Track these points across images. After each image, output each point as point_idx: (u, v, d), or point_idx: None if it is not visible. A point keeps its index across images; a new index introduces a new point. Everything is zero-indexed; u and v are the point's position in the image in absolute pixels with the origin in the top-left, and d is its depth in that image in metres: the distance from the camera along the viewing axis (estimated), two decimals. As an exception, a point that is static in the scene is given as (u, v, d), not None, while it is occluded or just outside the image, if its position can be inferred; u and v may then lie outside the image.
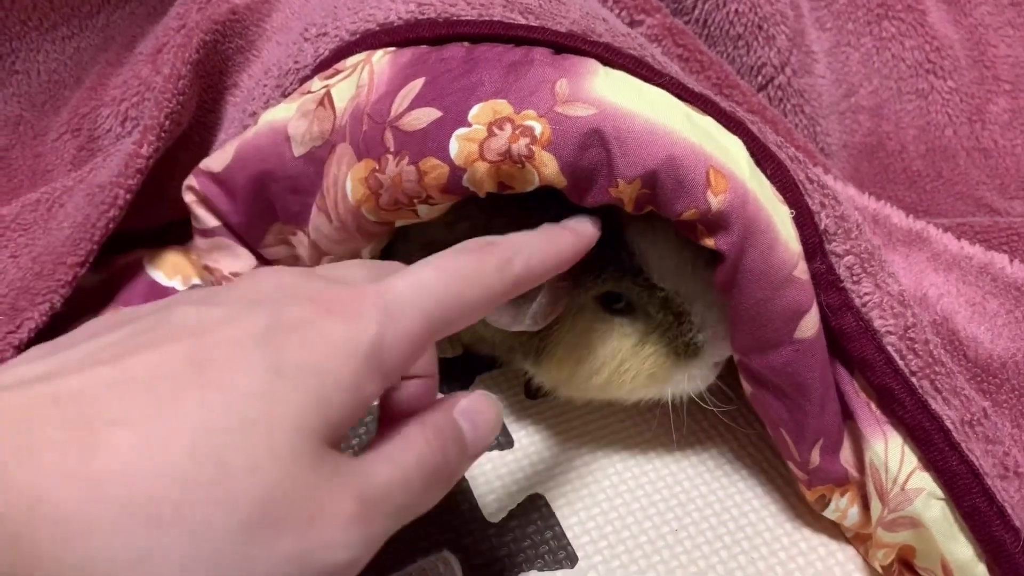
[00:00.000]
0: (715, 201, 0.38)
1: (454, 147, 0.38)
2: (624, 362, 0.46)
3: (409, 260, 0.34)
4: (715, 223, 0.39)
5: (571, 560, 0.48)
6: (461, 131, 0.39)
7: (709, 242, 0.40)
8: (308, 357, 0.27)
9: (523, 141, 0.38)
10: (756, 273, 0.40)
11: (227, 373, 0.26)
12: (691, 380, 0.47)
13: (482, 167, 0.38)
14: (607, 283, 0.45)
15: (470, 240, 0.35)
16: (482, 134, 0.38)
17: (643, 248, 0.44)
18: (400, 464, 0.30)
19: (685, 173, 0.38)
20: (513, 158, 0.38)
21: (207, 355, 0.26)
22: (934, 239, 0.54)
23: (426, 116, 0.39)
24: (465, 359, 0.59)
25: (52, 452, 0.23)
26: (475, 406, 0.34)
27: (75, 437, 0.23)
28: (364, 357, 0.28)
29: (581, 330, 0.47)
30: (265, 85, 0.63)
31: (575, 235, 0.39)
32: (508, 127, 0.38)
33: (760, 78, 0.67)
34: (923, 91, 0.72)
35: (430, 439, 0.31)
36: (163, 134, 0.60)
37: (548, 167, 0.38)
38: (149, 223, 0.65)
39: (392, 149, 0.40)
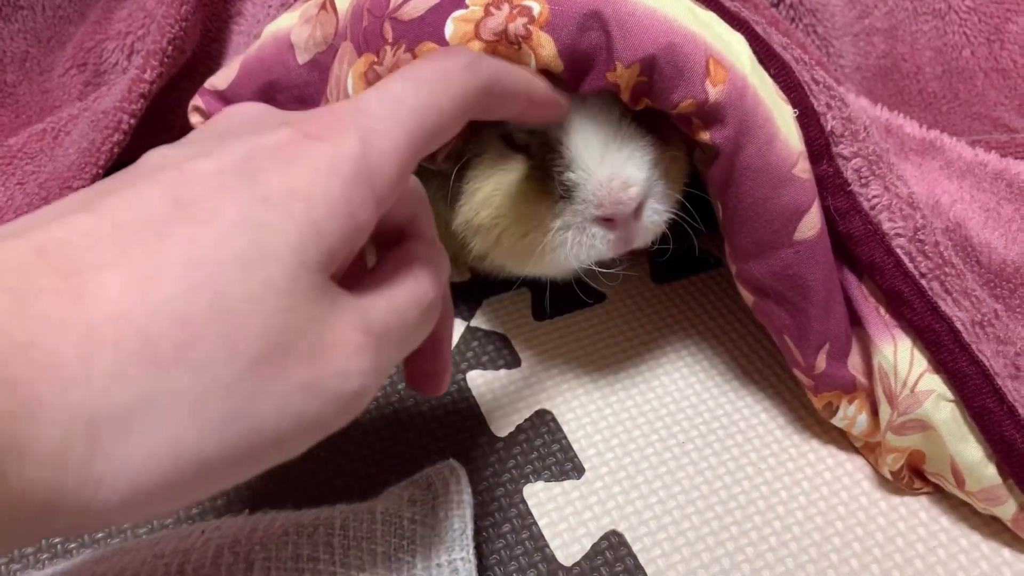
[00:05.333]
0: (713, 92, 0.38)
1: (450, 28, 0.38)
2: (508, 197, 0.44)
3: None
4: (712, 115, 0.38)
5: (578, 471, 0.48)
6: (458, 13, 0.38)
7: (705, 136, 0.39)
8: (292, 182, 0.26)
9: (520, 20, 0.37)
10: (754, 170, 0.39)
11: (212, 207, 0.25)
12: (565, 229, 0.43)
13: (476, 47, 0.38)
14: (519, 134, 0.43)
15: (433, 50, 0.33)
16: (479, 14, 0.38)
17: None
18: (396, 300, 0.30)
19: (685, 61, 0.37)
20: (510, 38, 0.37)
21: (188, 192, 0.25)
22: (947, 147, 0.52)
23: (424, 4, 0.39)
24: (472, 284, 0.59)
25: (42, 299, 0.22)
26: (435, 244, 0.34)
27: (65, 284, 0.23)
28: (351, 177, 0.27)
29: (484, 166, 0.45)
30: (270, 6, 0.62)
31: (547, 85, 0.37)
32: (505, 7, 0.37)
33: (772, -4, 0.65)
34: (940, 11, 0.70)
35: (419, 275, 0.31)
36: (166, 59, 0.60)
37: (546, 48, 0.37)
38: (156, 153, 0.65)
39: (391, 40, 0.39)
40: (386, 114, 0.29)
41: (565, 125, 0.41)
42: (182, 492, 0.24)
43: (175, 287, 0.23)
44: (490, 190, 0.44)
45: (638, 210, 0.43)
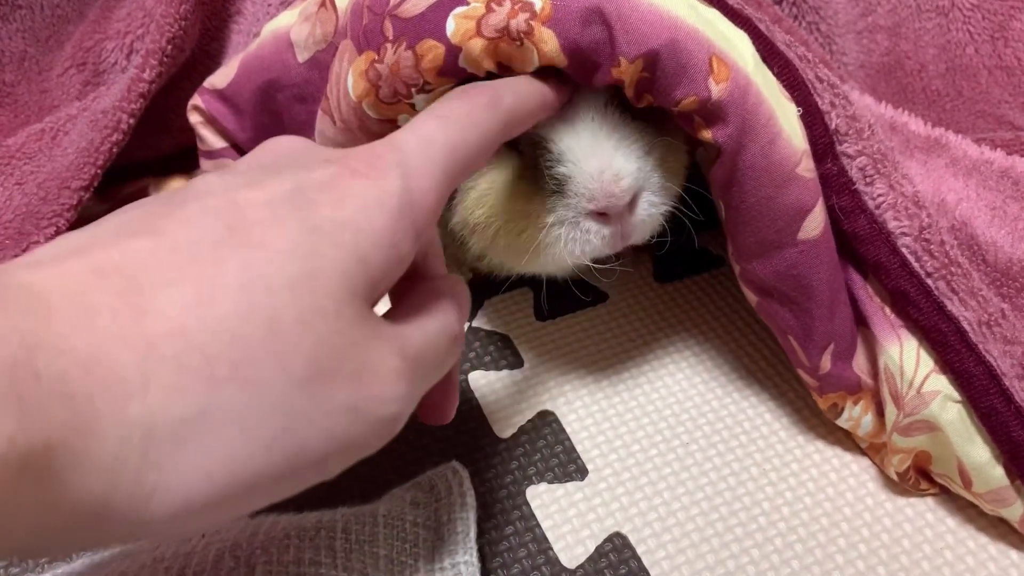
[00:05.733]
0: (716, 89, 0.37)
1: (451, 25, 0.38)
2: (502, 194, 0.43)
3: None
4: (714, 114, 0.38)
5: (581, 473, 0.47)
6: (459, 10, 0.38)
7: (707, 135, 0.38)
8: (342, 213, 0.27)
9: (522, 16, 0.37)
10: (757, 169, 0.39)
11: (264, 233, 0.26)
12: (558, 224, 0.42)
13: (478, 44, 0.37)
14: None
15: (456, 88, 0.35)
16: (480, 11, 0.37)
17: None
18: (428, 330, 0.31)
19: (688, 58, 0.37)
20: (511, 34, 0.37)
21: (241, 218, 0.26)
22: (953, 145, 0.52)
23: (425, 1, 0.38)
24: (474, 284, 0.59)
25: (105, 317, 0.23)
26: (460, 281, 0.36)
27: (126, 302, 0.23)
28: (396, 212, 0.28)
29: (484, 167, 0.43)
30: (270, 4, 0.62)
31: (552, 85, 0.39)
32: (507, 3, 0.37)
33: (774, -7, 0.65)
34: (943, 8, 0.70)
35: (447, 308, 0.33)
36: (165, 59, 0.60)
37: (548, 44, 0.37)
38: (154, 153, 0.65)
39: (391, 37, 0.39)
40: (421, 151, 0.30)
41: (553, 119, 0.41)
42: (228, 507, 0.25)
43: (231, 308, 0.24)
44: (484, 188, 0.44)
45: (633, 203, 0.42)
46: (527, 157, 0.42)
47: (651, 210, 0.43)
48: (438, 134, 0.31)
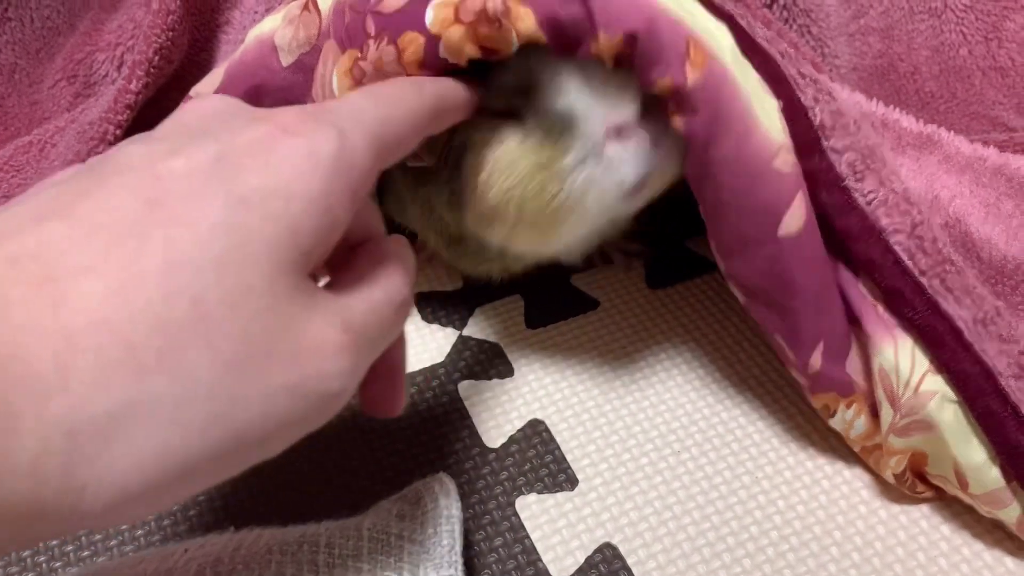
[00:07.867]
0: (692, 75, 0.36)
1: (430, 15, 0.37)
2: (511, 163, 0.41)
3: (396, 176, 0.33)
4: (686, 100, 0.37)
5: (571, 483, 0.47)
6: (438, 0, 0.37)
7: (677, 122, 0.38)
8: (270, 179, 0.26)
9: None
10: (729, 162, 0.38)
11: (187, 208, 0.25)
12: (581, 163, 0.40)
13: (457, 31, 0.37)
14: (498, 101, 0.41)
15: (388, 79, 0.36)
16: None
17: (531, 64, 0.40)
18: (373, 298, 0.30)
19: (667, 39, 0.36)
20: (489, 16, 0.36)
21: (162, 192, 0.25)
22: (946, 142, 0.51)
23: None
24: (465, 292, 0.58)
25: (20, 309, 0.22)
26: (404, 241, 0.35)
27: (42, 292, 0.22)
28: (331, 171, 0.27)
29: (477, 148, 0.42)
30: (256, 12, 0.62)
31: (466, 86, 0.39)
32: None
33: (764, -4, 0.64)
34: (936, 10, 0.69)
35: (392, 272, 0.32)
36: (152, 70, 0.59)
37: (524, 21, 0.36)
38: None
39: (373, 34, 0.38)
40: (353, 116, 0.30)
41: (548, 72, 0.39)
42: (167, 495, 0.25)
43: (154, 292, 0.23)
44: (491, 167, 0.42)
45: (643, 124, 0.40)
46: (526, 114, 0.41)
47: (666, 133, 0.40)
48: (368, 104, 0.31)
